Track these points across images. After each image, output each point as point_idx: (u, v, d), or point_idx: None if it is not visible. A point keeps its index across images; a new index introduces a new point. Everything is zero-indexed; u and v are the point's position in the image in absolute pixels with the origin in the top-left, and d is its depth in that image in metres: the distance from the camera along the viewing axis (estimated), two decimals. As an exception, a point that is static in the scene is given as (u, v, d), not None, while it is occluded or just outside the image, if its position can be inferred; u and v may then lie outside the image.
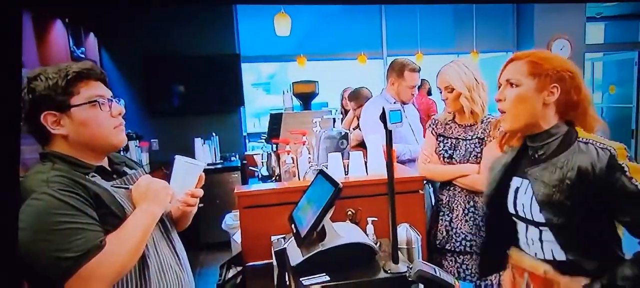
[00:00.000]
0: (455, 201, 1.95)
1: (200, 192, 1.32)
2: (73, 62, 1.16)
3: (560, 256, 1.22)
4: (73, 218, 1.02)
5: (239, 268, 1.93)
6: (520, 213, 1.29)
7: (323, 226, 1.39)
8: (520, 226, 1.32)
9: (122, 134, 1.20)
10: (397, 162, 2.42)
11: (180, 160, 1.31)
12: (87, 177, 1.12)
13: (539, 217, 1.22)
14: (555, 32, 5.58)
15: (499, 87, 1.28)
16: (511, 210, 1.32)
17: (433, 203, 2.19)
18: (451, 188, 1.97)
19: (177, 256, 1.30)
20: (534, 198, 1.23)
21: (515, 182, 1.31)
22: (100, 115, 1.14)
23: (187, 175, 1.30)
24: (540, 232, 1.24)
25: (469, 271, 1.92)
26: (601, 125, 1.23)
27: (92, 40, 4.42)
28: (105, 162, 1.22)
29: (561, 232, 1.19)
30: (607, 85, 7.19)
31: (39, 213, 1.00)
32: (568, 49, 5.60)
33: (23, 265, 1.04)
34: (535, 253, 1.28)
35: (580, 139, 1.19)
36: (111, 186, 1.16)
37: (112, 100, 1.17)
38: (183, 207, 1.31)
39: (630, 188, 1.09)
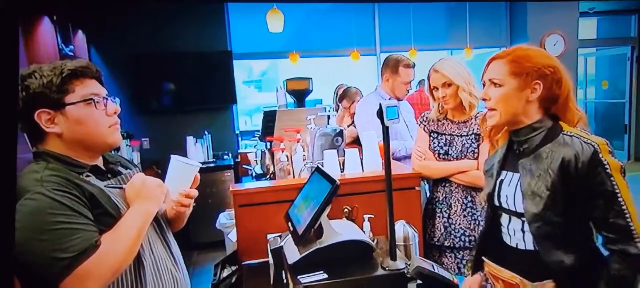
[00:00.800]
0: (453, 197, 1.94)
1: (195, 193, 1.31)
2: (68, 59, 1.13)
3: (544, 250, 1.23)
4: (68, 218, 1.00)
5: (234, 268, 1.91)
6: (504, 205, 1.31)
7: (320, 224, 1.38)
8: (503, 218, 1.34)
9: (117, 133, 1.18)
10: (393, 158, 2.41)
11: (175, 160, 1.29)
12: (81, 176, 1.10)
13: (522, 208, 1.25)
14: (548, 27, 5.62)
15: (484, 86, 1.30)
16: (496, 202, 1.34)
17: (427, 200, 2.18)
18: (447, 185, 1.96)
19: (173, 256, 1.28)
20: (517, 188, 1.26)
21: (501, 175, 1.34)
22: (96, 113, 1.12)
23: (182, 175, 1.28)
24: (523, 222, 1.26)
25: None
26: (582, 117, 1.26)
27: (80, 37, 4.34)
28: (99, 162, 1.20)
29: (541, 223, 1.20)
30: (600, 80, 7.27)
31: (33, 213, 0.99)
32: (561, 44, 5.64)
33: (17, 265, 1.03)
34: (516, 244, 1.29)
35: (565, 132, 1.21)
36: (106, 186, 1.14)
37: (107, 99, 1.15)
38: (177, 207, 1.29)
39: (607, 187, 1.13)
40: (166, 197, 1.23)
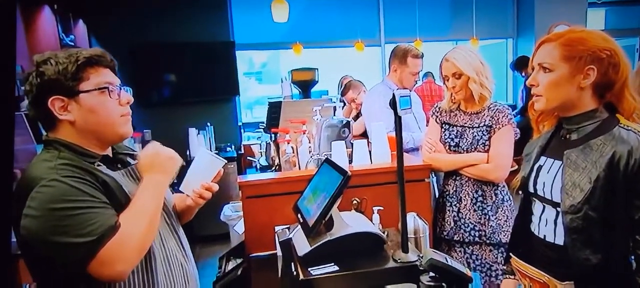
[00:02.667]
0: (463, 191, 1.91)
1: (216, 187, 1.32)
2: (83, 48, 1.14)
3: (572, 243, 1.18)
4: (86, 204, 1.00)
5: (239, 260, 1.89)
6: (539, 193, 1.26)
7: (330, 216, 1.36)
8: (536, 206, 1.28)
9: (128, 124, 1.17)
10: (401, 150, 2.38)
11: (204, 152, 1.32)
12: (93, 165, 1.09)
13: (559, 198, 1.19)
14: (556, 18, 5.55)
15: (532, 70, 1.23)
16: (531, 189, 1.28)
17: (436, 193, 2.15)
18: (458, 178, 1.93)
19: (183, 248, 1.28)
20: (557, 177, 1.19)
21: (540, 160, 1.27)
22: (109, 102, 1.11)
23: (208, 168, 1.31)
24: (557, 213, 1.20)
25: (479, 261, 1.89)
26: (638, 106, 1.17)
27: (81, 27, 4.31)
28: (109, 152, 1.20)
29: (576, 215, 1.14)
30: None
31: (51, 200, 0.98)
32: (568, 35, 5.58)
33: (34, 254, 1.04)
34: (545, 236, 1.25)
35: (622, 125, 1.14)
36: (117, 173, 1.15)
37: (121, 88, 1.15)
38: (196, 199, 1.30)
39: None
40: (187, 186, 1.25)
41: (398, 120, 1.35)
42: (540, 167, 1.26)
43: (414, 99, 2.72)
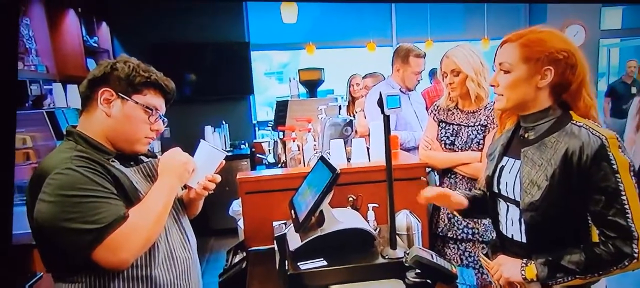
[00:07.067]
0: (457, 189, 1.92)
1: (219, 178, 1.37)
2: (159, 73, 1.26)
3: (534, 240, 1.21)
4: (97, 193, 1.07)
5: (245, 254, 1.96)
6: (503, 193, 1.28)
7: (322, 212, 1.40)
8: (502, 206, 1.30)
9: (146, 146, 1.27)
10: (402, 149, 2.41)
11: (204, 145, 1.36)
12: (108, 161, 1.17)
13: (520, 196, 1.21)
14: (568, 16, 5.43)
15: (495, 70, 1.26)
16: (495, 189, 1.31)
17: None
18: (452, 176, 1.95)
19: (188, 240, 1.33)
20: (518, 176, 1.22)
21: (502, 161, 1.30)
22: (145, 123, 1.21)
23: (209, 160, 1.35)
24: (521, 212, 1.23)
25: (472, 258, 1.91)
26: (594, 105, 1.20)
27: (104, 29, 4.48)
28: None
29: (535, 212, 1.17)
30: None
31: (63, 187, 1.05)
32: (582, 34, 5.46)
33: (45, 239, 1.10)
34: (512, 235, 1.27)
35: (574, 122, 1.16)
36: (129, 170, 1.21)
37: (161, 118, 1.26)
38: (200, 191, 1.34)
39: (611, 183, 1.08)
40: (192, 178, 1.30)
41: (386, 119, 1.40)
42: (502, 167, 1.29)
43: (417, 98, 2.74)
